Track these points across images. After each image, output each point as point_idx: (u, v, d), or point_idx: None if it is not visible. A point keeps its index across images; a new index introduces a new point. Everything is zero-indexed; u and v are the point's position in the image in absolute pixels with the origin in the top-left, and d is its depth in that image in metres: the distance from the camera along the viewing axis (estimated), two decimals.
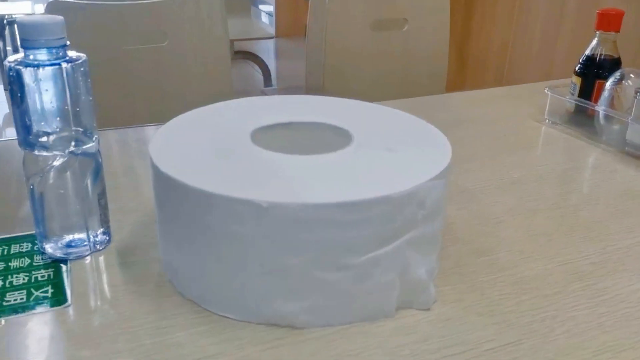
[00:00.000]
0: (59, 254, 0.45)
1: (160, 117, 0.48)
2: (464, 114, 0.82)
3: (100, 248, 0.47)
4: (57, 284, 0.42)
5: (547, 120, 0.78)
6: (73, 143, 0.44)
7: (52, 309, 0.40)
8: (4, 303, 0.40)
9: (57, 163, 0.43)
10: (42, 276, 0.43)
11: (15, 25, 0.45)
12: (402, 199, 0.37)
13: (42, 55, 0.40)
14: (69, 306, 0.41)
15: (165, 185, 0.40)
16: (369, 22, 1.33)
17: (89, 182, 0.45)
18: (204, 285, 0.40)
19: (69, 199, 0.45)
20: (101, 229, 0.47)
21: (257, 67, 3.02)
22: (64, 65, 0.41)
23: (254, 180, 0.39)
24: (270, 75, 3.05)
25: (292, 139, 0.48)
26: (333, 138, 0.47)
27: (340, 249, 0.37)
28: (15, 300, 0.40)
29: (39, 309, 0.40)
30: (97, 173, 0.46)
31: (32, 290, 0.41)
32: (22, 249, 0.46)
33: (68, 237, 0.46)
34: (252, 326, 0.39)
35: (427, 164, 0.42)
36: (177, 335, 0.38)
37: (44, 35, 0.40)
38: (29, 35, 0.40)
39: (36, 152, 0.42)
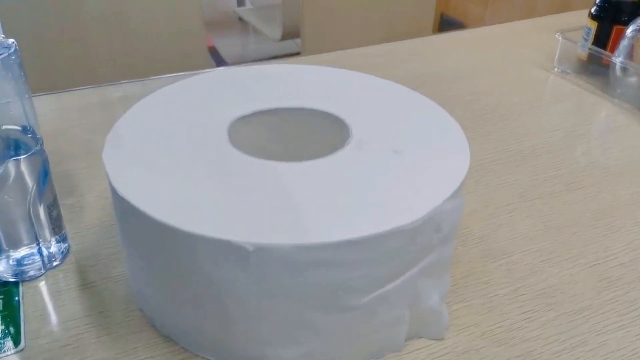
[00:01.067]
0: (8, 275, 0.39)
1: (126, 60, 0.38)
2: (460, 62, 0.74)
3: (57, 263, 0.40)
4: (8, 317, 0.36)
5: (556, 69, 0.71)
6: (12, 148, 0.36)
7: (1, 355, 0.34)
8: None
9: None
10: None
11: None
12: (417, 227, 0.31)
13: None
14: (21, 350, 0.34)
15: (124, 209, 0.32)
16: None
17: (34, 189, 0.37)
18: (180, 324, 0.34)
19: (12, 213, 0.37)
20: (55, 238, 0.40)
21: None
22: None
23: (235, 207, 0.31)
24: None
25: (279, 130, 0.41)
26: (326, 130, 0.40)
27: (341, 291, 0.31)
28: None
29: None
30: (45, 178, 0.38)
31: None
32: None
33: (16, 254, 0.39)
34: None
35: (442, 172, 0.35)
36: None
37: None
38: None
39: None
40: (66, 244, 0.41)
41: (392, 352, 0.35)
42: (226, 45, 2.19)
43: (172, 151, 0.36)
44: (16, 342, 0.35)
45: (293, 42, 1.76)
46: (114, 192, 0.33)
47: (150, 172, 0.34)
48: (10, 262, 0.39)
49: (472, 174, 0.51)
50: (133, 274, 0.37)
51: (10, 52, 0.33)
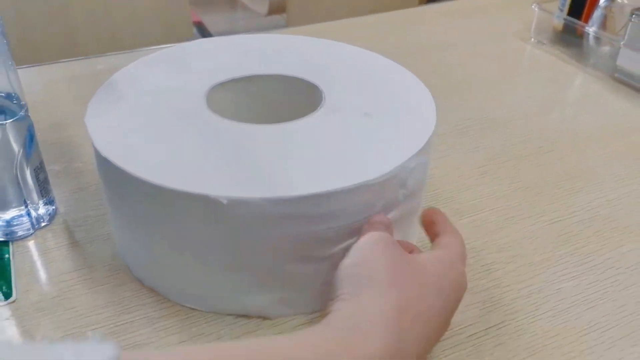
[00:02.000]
0: None
1: (112, 35, 0.39)
2: (442, 33, 0.75)
3: (45, 224, 0.42)
4: (0, 272, 0.38)
5: (532, 40, 0.73)
6: None
7: None
8: None
9: None
10: None
11: None
12: (382, 183, 0.33)
13: None
14: (14, 301, 0.37)
15: (108, 169, 0.34)
16: None
17: (21, 154, 0.39)
18: (164, 276, 0.36)
19: (1, 175, 0.39)
20: (42, 201, 0.42)
21: None
22: None
23: (211, 165, 0.34)
24: None
25: (255, 96, 0.43)
26: (301, 95, 0.42)
27: (311, 242, 0.33)
28: None
29: None
30: (31, 142, 0.40)
31: None
32: None
33: (5, 216, 0.41)
34: (221, 318, 0.36)
35: (409, 133, 0.37)
36: (140, 332, 0.35)
37: None
38: None
39: None
40: (53, 207, 0.43)
41: None
42: (214, 21, 2.18)
43: (152, 115, 0.38)
44: (7, 295, 0.37)
45: (280, 17, 1.76)
46: (97, 154, 0.35)
47: (131, 134, 0.36)
48: (0, 223, 0.41)
49: (446, 139, 0.53)
50: (118, 232, 0.39)
51: None
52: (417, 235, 0.40)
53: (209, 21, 2.19)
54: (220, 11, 2.39)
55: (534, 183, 0.48)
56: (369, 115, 0.38)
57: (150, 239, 0.35)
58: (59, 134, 0.53)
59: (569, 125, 0.57)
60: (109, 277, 0.39)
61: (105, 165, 0.34)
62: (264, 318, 0.36)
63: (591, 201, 0.46)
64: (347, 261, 0.30)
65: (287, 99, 0.42)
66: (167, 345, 0.34)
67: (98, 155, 0.35)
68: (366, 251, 0.30)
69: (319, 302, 0.35)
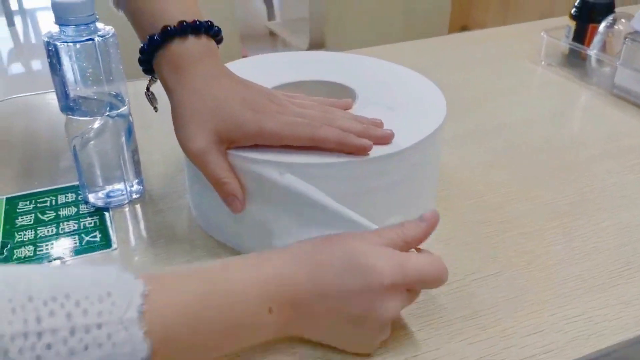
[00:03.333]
0: (100, 203, 0.52)
1: None
2: (464, 56, 0.86)
3: (136, 197, 0.53)
4: (102, 230, 0.49)
5: (543, 62, 0.82)
6: (108, 107, 0.49)
7: (101, 252, 0.47)
8: (61, 247, 0.47)
9: (95, 126, 0.48)
10: (89, 223, 0.49)
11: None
12: (402, 153, 0.43)
13: (75, 32, 0.45)
14: (115, 249, 0.47)
15: None
16: None
17: (123, 140, 0.50)
18: (225, 229, 0.47)
19: (107, 156, 0.50)
20: (136, 180, 0.53)
21: None
22: (96, 39, 0.45)
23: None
24: (272, 5, 3.01)
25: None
26: (339, 96, 0.52)
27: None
28: (69, 245, 0.47)
29: (90, 253, 0.47)
30: (130, 132, 0.51)
31: (83, 235, 0.48)
32: (68, 199, 0.53)
33: (108, 188, 0.52)
34: None
35: (422, 123, 0.47)
36: None
37: (76, 14, 0.44)
38: (63, 15, 0.44)
39: (76, 117, 0.48)
40: (142, 186, 0.54)
41: None
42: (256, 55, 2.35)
43: None
44: (109, 246, 0.48)
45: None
46: None
47: None
48: (101, 194, 0.52)
49: (459, 139, 0.63)
50: (195, 200, 0.50)
51: (111, 34, 0.47)
52: (432, 205, 0.50)
53: (252, 55, 2.36)
54: (263, 46, 2.56)
55: (533, 174, 0.57)
56: (392, 109, 0.49)
57: (216, 202, 0.46)
58: (144, 132, 0.64)
59: (569, 130, 0.66)
60: (186, 233, 0.49)
61: None
62: None
63: (581, 188, 0.55)
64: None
65: (329, 97, 0.53)
66: None
67: None
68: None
69: None
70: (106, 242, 0.48)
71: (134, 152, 0.52)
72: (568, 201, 0.53)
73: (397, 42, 0.93)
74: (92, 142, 0.49)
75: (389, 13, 1.41)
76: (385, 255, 0.36)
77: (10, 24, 3.10)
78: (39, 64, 2.74)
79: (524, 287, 0.44)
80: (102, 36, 0.46)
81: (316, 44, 1.83)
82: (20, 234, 0.48)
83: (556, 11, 2.11)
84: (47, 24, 3.27)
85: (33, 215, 0.50)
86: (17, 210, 0.51)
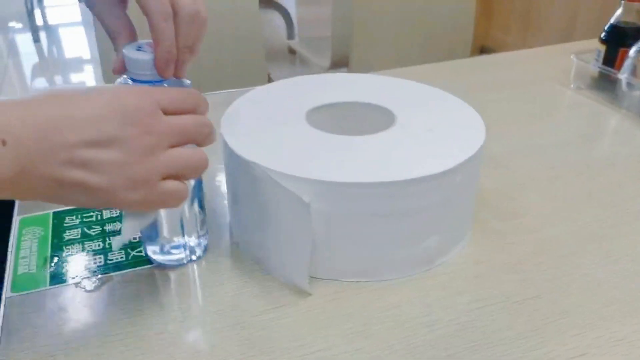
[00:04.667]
0: (159, 259, 0.48)
1: (193, 77, 0.47)
2: (490, 78, 0.87)
3: (198, 255, 0.49)
4: None
5: (572, 86, 0.83)
6: None
7: (146, 267, 0.48)
8: (108, 262, 0.48)
9: None
10: (134, 239, 0.51)
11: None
12: (441, 175, 0.44)
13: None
14: (158, 265, 0.48)
15: (236, 163, 0.46)
16: None
17: (193, 194, 0.46)
18: (258, 250, 0.48)
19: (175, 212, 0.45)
20: (200, 238, 0.49)
21: (277, 15, 3.00)
22: None
23: (309, 159, 0.45)
24: (292, 24, 3.05)
25: (342, 118, 0.55)
26: (378, 118, 0.53)
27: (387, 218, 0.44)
28: (116, 259, 0.48)
29: (135, 268, 0.48)
30: (200, 187, 0.48)
31: (129, 250, 0.49)
32: (113, 214, 0.54)
33: (166, 244, 0.47)
34: (314, 281, 0.47)
35: (461, 145, 0.48)
36: (252, 289, 0.46)
37: (149, 70, 0.41)
38: (136, 70, 0.41)
39: None
40: (206, 243, 0.50)
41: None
42: (275, 73, 2.38)
43: (267, 124, 0.50)
44: (153, 261, 0.49)
45: (340, 70, 1.92)
46: (230, 152, 0.47)
47: (250, 140, 0.48)
48: (158, 249, 0.48)
49: (493, 160, 0.64)
50: (234, 223, 0.51)
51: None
52: (469, 226, 0.50)
53: (273, 74, 2.39)
54: (281, 64, 2.60)
55: (568, 196, 0.58)
56: (431, 131, 0.50)
57: (256, 223, 0.47)
58: None
59: (601, 153, 0.67)
60: (228, 250, 0.50)
61: (234, 160, 0.46)
62: (349, 282, 0.46)
63: (617, 211, 0.55)
64: None
65: (366, 119, 0.54)
66: (274, 299, 0.45)
67: (231, 153, 0.47)
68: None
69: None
70: (150, 257, 0.49)
71: (201, 210, 0.48)
72: (605, 224, 0.54)
73: (420, 62, 0.94)
74: None
75: (412, 34, 1.43)
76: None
77: (36, 39, 3.18)
78: (61, 80, 2.80)
79: (565, 310, 0.44)
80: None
81: (338, 64, 1.85)
82: (68, 249, 0.49)
83: (577, 32, 2.12)
84: (71, 40, 3.34)
85: (80, 229, 0.51)
86: (64, 224, 0.52)
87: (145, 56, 0.41)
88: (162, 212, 0.46)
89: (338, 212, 0.44)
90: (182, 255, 0.48)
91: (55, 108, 0.34)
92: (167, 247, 0.48)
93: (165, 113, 0.37)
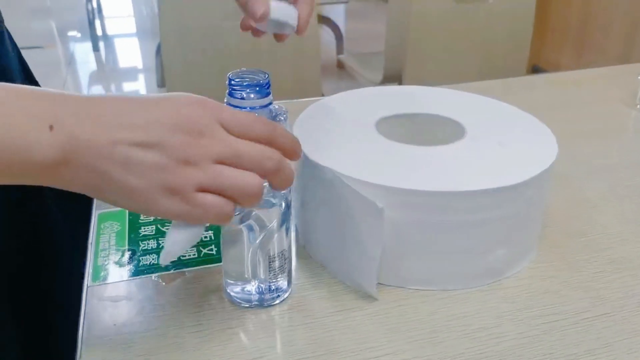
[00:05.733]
0: (232, 297, 0.45)
1: None
2: (552, 97, 0.86)
3: (271, 302, 0.45)
4: (218, 244, 0.52)
5: (638, 106, 0.81)
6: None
7: (217, 264, 0.50)
8: (181, 257, 0.50)
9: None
10: (205, 237, 0.52)
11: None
12: (512, 189, 0.44)
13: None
14: None
15: (308, 167, 0.48)
16: None
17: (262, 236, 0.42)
18: (323, 250, 0.49)
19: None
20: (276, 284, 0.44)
21: (327, 29, 3.04)
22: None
23: (381, 166, 0.46)
24: (342, 39, 3.09)
25: (412, 128, 0.55)
26: (448, 129, 0.54)
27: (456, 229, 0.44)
28: (189, 256, 0.50)
29: (207, 265, 0.49)
30: (286, 224, 0.43)
31: (200, 248, 0.51)
32: None
33: (238, 285, 0.45)
34: (379, 287, 0.47)
35: (533, 159, 0.48)
36: (319, 291, 0.47)
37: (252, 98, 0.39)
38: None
39: None
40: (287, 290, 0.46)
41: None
42: (325, 87, 2.41)
43: (338, 133, 0.52)
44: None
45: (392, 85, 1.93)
46: (303, 156, 0.48)
47: (323, 145, 0.49)
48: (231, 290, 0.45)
49: (558, 179, 0.63)
50: (302, 226, 0.52)
51: (283, 114, 0.42)
52: (536, 241, 0.50)
53: (324, 88, 2.43)
54: (331, 79, 2.63)
55: (637, 217, 0.57)
56: (503, 145, 0.50)
57: (323, 225, 0.48)
58: None
59: None
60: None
61: (307, 164, 0.48)
62: (416, 290, 0.47)
63: None
64: None
65: (435, 131, 0.55)
66: (341, 302, 0.46)
67: (305, 157, 0.48)
68: None
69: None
70: (220, 256, 0.50)
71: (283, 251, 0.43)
72: None
73: (474, 79, 0.94)
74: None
75: (467, 50, 1.43)
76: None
77: (95, 48, 3.31)
78: (113, 88, 2.90)
79: (636, 329, 0.43)
80: (273, 117, 0.41)
81: (390, 79, 1.86)
82: (144, 243, 0.51)
83: (634, 55, 2.07)
84: (126, 50, 3.47)
85: (154, 226, 0.53)
86: (139, 221, 0.54)
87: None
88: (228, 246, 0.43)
89: (408, 219, 0.44)
90: (242, 296, 0.45)
91: (111, 106, 0.34)
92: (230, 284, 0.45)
93: (230, 133, 0.36)
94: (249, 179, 0.36)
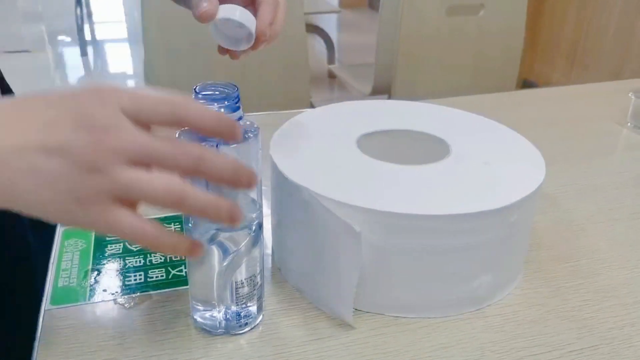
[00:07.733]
0: (198, 323, 0.42)
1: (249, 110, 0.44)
2: (541, 114, 0.84)
3: (239, 331, 0.42)
4: None
5: (629, 124, 0.80)
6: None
7: (186, 287, 0.47)
8: (148, 279, 0.47)
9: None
10: (176, 257, 0.50)
11: None
12: (496, 213, 0.42)
13: None
14: None
15: (282, 184, 0.45)
16: (444, 7, 1.34)
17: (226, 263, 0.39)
18: (301, 277, 0.46)
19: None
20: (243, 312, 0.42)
21: (318, 39, 3.03)
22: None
23: (361, 187, 0.44)
24: (333, 49, 3.07)
25: (394, 145, 0.53)
26: (432, 147, 0.51)
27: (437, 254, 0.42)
28: (156, 277, 0.47)
29: (175, 288, 0.47)
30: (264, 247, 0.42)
31: (169, 269, 0.48)
32: None
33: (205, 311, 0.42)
34: (357, 313, 0.45)
35: (520, 180, 0.45)
36: (293, 318, 0.44)
37: None
38: None
39: None
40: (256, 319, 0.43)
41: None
42: (315, 98, 2.40)
43: (317, 150, 0.49)
44: None
45: (381, 97, 1.91)
46: (279, 175, 0.46)
47: (300, 163, 0.47)
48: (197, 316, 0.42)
49: (545, 199, 0.61)
50: (277, 247, 0.50)
51: (252, 132, 0.38)
52: (521, 266, 0.48)
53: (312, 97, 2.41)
54: (321, 88, 2.61)
55: (629, 241, 0.55)
56: (488, 164, 0.48)
57: (300, 247, 0.45)
58: None
59: None
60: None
61: (280, 180, 0.45)
62: (395, 318, 0.44)
63: None
64: None
65: (418, 147, 0.53)
66: (315, 330, 0.43)
67: (279, 174, 0.46)
68: None
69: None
70: None
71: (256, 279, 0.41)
72: None
73: (464, 93, 0.92)
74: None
75: (458, 63, 1.42)
76: None
77: (83, 53, 3.27)
78: None
79: None
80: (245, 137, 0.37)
81: (380, 90, 1.84)
82: (110, 262, 0.48)
83: (626, 70, 2.07)
84: (116, 55, 3.44)
85: (122, 244, 0.51)
86: (106, 238, 0.51)
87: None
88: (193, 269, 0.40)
89: (387, 243, 0.42)
90: (208, 322, 0.42)
91: (17, 108, 0.31)
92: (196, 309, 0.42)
93: (137, 122, 0.31)
94: (163, 183, 0.31)
